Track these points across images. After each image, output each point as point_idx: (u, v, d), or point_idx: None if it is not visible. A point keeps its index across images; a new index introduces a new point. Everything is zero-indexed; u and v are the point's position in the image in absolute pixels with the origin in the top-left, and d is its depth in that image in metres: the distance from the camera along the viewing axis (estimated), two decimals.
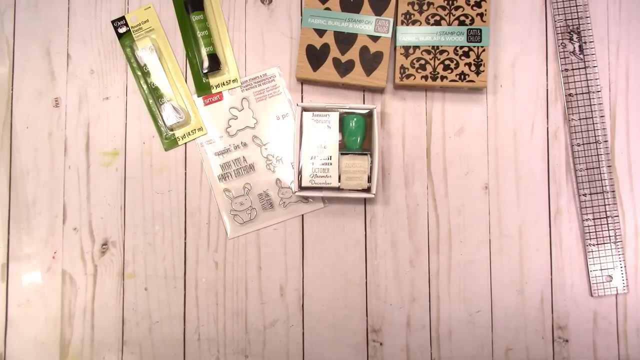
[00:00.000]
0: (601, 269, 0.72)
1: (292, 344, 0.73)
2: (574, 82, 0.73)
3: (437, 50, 0.71)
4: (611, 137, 0.74)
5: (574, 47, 0.74)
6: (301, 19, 0.73)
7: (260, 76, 0.75)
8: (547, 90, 0.74)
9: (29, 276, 0.74)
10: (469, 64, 0.71)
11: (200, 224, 0.74)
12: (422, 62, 0.71)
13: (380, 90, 0.74)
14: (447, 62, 0.71)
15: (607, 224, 0.72)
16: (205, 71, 0.73)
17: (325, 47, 0.72)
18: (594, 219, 0.72)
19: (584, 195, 0.73)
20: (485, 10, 0.71)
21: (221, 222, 0.74)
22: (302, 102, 0.75)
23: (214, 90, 0.75)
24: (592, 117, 0.73)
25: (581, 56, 0.74)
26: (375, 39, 0.72)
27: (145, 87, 0.74)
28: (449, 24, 0.71)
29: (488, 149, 0.74)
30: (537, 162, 0.74)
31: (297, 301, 0.73)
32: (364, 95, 0.75)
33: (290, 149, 0.74)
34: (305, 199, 0.74)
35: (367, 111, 0.71)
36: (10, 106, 0.75)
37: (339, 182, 0.70)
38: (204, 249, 0.74)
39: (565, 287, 0.73)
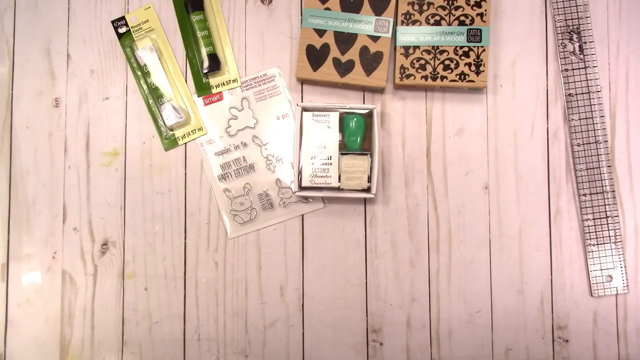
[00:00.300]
0: (601, 269, 0.72)
1: (292, 344, 0.73)
2: (574, 82, 0.73)
3: (437, 50, 0.71)
4: (611, 137, 0.74)
5: (574, 47, 0.74)
6: (301, 19, 0.73)
7: (260, 76, 0.75)
8: (547, 90, 0.74)
9: (29, 276, 0.74)
10: (469, 64, 0.71)
11: (200, 224, 0.74)
12: (422, 62, 0.71)
13: (380, 90, 0.74)
14: (447, 62, 0.71)
15: (607, 224, 0.72)
16: (205, 71, 0.73)
17: (325, 47, 0.72)
18: (594, 219, 0.72)
19: (584, 195, 0.73)
20: (485, 10, 0.71)
21: (221, 222, 0.74)
22: (302, 102, 0.75)
23: (214, 90, 0.75)
24: (592, 117, 0.73)
25: (581, 56, 0.74)
26: (375, 39, 0.72)
27: (145, 87, 0.74)
28: (449, 24, 0.71)
29: (488, 149, 0.74)
30: (537, 162, 0.74)
31: (297, 301, 0.73)
32: (364, 95, 0.75)
33: (290, 149, 0.74)
34: (305, 199, 0.74)
35: (367, 111, 0.71)
36: (10, 106, 0.75)
37: (339, 182, 0.70)
38: (204, 249, 0.74)
39: (565, 287, 0.73)
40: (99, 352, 0.73)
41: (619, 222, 0.73)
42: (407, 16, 0.72)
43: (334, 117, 0.70)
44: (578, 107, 0.73)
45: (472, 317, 0.73)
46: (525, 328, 0.73)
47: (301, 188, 0.70)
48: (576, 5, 0.74)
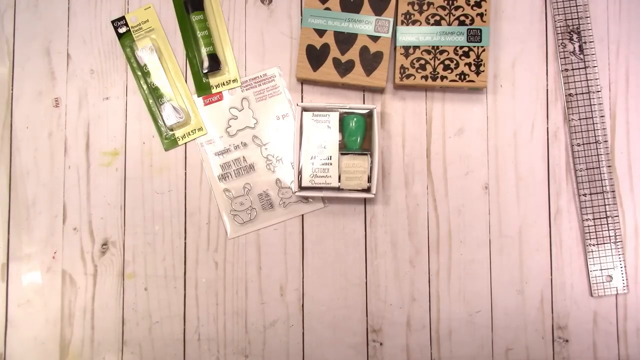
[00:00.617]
0: (601, 269, 0.72)
1: (292, 344, 0.73)
2: (574, 82, 0.73)
3: (437, 50, 0.71)
4: (611, 137, 0.74)
5: (574, 47, 0.74)
6: (301, 19, 0.73)
7: (260, 76, 0.75)
8: (547, 90, 0.74)
9: (29, 276, 0.74)
10: (469, 64, 0.71)
11: (200, 224, 0.74)
12: (422, 62, 0.71)
13: (380, 90, 0.74)
14: (447, 62, 0.71)
15: (607, 224, 0.72)
16: (205, 71, 0.73)
17: (325, 47, 0.72)
18: (594, 219, 0.72)
19: (584, 195, 0.73)
20: (485, 10, 0.71)
21: (221, 222, 0.74)
22: (302, 102, 0.75)
23: (214, 90, 0.75)
24: (592, 117, 0.73)
25: (581, 56, 0.74)
26: (375, 39, 0.72)
27: (145, 87, 0.74)
28: (449, 24, 0.71)
29: (488, 149, 0.74)
30: (537, 162, 0.74)
31: (297, 301, 0.73)
32: (364, 95, 0.75)
33: (290, 149, 0.74)
34: (305, 199, 0.74)
35: (367, 111, 0.71)
36: (10, 106, 0.75)
37: (339, 182, 0.70)
38: (204, 249, 0.74)
39: (565, 287, 0.73)
40: (99, 352, 0.73)
41: (619, 222, 0.73)
42: (407, 16, 0.72)
43: (334, 117, 0.70)
44: (578, 107, 0.73)
45: (472, 317, 0.73)
46: (525, 328, 0.73)
47: (301, 188, 0.70)
48: (576, 5, 0.74)
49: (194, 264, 0.73)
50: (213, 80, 0.74)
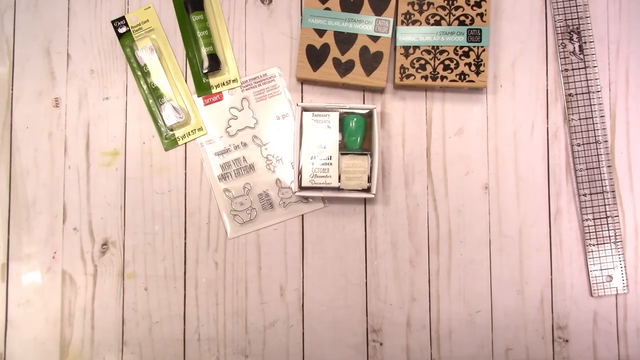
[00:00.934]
0: (601, 269, 0.72)
1: (292, 344, 0.73)
2: (574, 82, 0.73)
3: (437, 50, 0.71)
4: (611, 137, 0.74)
5: (574, 47, 0.74)
6: (301, 19, 0.73)
7: (260, 76, 0.75)
8: (547, 90, 0.74)
9: (29, 276, 0.74)
10: (469, 64, 0.71)
11: (200, 224, 0.74)
12: (422, 62, 0.71)
13: (380, 90, 0.74)
14: (447, 62, 0.71)
15: (607, 224, 0.72)
16: (205, 71, 0.73)
17: (325, 47, 0.72)
18: (594, 219, 0.72)
19: (584, 195, 0.73)
20: (485, 10, 0.71)
21: (221, 222, 0.74)
22: (302, 102, 0.75)
23: (214, 90, 0.75)
24: (592, 117, 0.73)
25: (581, 56, 0.74)
26: (375, 39, 0.72)
27: (145, 87, 0.74)
28: (449, 24, 0.71)
29: (488, 149, 0.74)
30: (537, 162, 0.74)
31: (297, 301, 0.73)
32: (364, 95, 0.75)
33: (290, 149, 0.74)
34: (305, 199, 0.74)
35: (367, 111, 0.71)
36: (10, 106, 0.75)
37: (339, 182, 0.70)
38: (204, 249, 0.74)
39: (565, 287, 0.73)
40: (99, 352, 0.73)
41: (619, 222, 0.73)
42: (407, 16, 0.72)
43: (334, 117, 0.70)
44: (578, 107, 0.73)
45: (472, 317, 0.73)
46: (525, 328, 0.73)
47: (301, 188, 0.70)
48: (576, 5, 0.74)
49: (194, 264, 0.73)
50: (213, 80, 0.74)
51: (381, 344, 0.73)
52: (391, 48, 0.72)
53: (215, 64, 0.73)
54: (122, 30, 0.75)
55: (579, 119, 0.73)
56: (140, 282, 0.73)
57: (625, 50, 0.74)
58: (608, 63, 0.74)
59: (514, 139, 0.74)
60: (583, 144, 0.73)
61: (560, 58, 0.74)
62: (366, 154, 0.70)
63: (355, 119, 0.70)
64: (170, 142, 0.75)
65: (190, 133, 0.74)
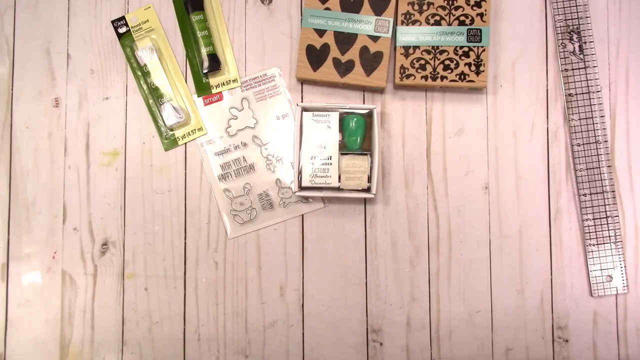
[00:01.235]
0: (601, 269, 0.72)
1: (292, 344, 0.73)
2: (574, 82, 0.73)
3: (437, 50, 0.71)
4: (611, 137, 0.74)
5: (574, 47, 0.74)
6: (301, 19, 0.73)
7: (260, 76, 0.75)
8: (547, 90, 0.74)
9: (29, 276, 0.74)
10: (469, 64, 0.71)
11: (200, 224, 0.74)
12: (422, 62, 0.71)
13: (380, 90, 0.74)
14: (447, 62, 0.71)
15: (607, 224, 0.72)
16: (205, 71, 0.73)
17: (325, 47, 0.72)
18: (594, 219, 0.72)
19: (584, 195, 0.73)
20: (485, 10, 0.71)
21: (221, 222, 0.74)
22: (302, 102, 0.75)
23: (214, 90, 0.75)
24: (592, 117, 0.73)
25: (581, 56, 0.74)
26: (375, 39, 0.72)
27: (145, 87, 0.74)
28: (449, 24, 0.71)
29: (488, 149, 0.74)
30: (537, 162, 0.74)
31: (297, 301, 0.73)
32: (364, 95, 0.75)
33: (290, 149, 0.74)
34: (305, 199, 0.74)
35: (367, 111, 0.71)
36: (10, 106, 0.75)
37: (339, 182, 0.70)
38: (204, 249, 0.74)
39: (565, 287, 0.73)
40: (99, 352, 0.73)
41: (619, 222, 0.73)
42: (407, 16, 0.72)
43: (334, 117, 0.70)
44: (578, 107, 0.73)
45: (472, 317, 0.73)
46: (525, 328, 0.73)
47: (301, 188, 0.70)
48: (576, 5, 0.74)
49: (194, 264, 0.73)
50: (213, 80, 0.74)
51: (381, 344, 0.73)
52: (391, 48, 0.72)
53: (215, 64, 0.73)
54: (122, 30, 0.75)
55: (579, 119, 0.73)
56: (140, 282, 0.73)
57: (625, 50, 0.74)
58: (608, 63, 0.74)
59: (514, 139, 0.74)
60: (583, 144, 0.73)
61: (560, 58, 0.74)
62: (366, 154, 0.70)
63: (355, 119, 0.70)
64: (170, 142, 0.75)
65: (190, 133, 0.74)
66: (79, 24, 0.75)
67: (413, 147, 0.74)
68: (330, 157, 0.70)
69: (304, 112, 0.71)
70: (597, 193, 0.73)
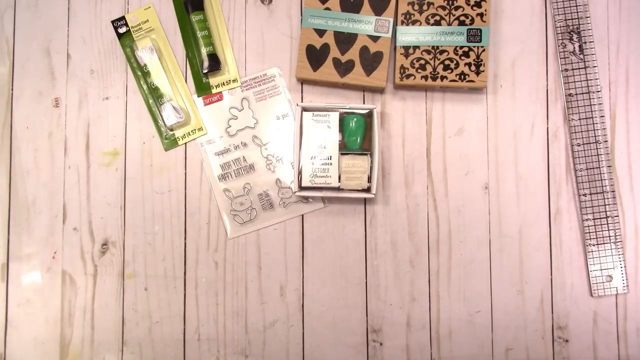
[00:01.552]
0: (601, 269, 0.72)
1: (292, 344, 0.73)
2: (574, 82, 0.73)
3: (437, 50, 0.71)
4: (611, 137, 0.74)
5: (574, 47, 0.74)
6: (301, 19, 0.73)
7: (260, 76, 0.75)
8: (547, 90, 0.74)
9: (29, 276, 0.74)
10: (469, 64, 0.71)
11: (200, 224, 0.74)
12: (422, 62, 0.71)
13: (380, 90, 0.74)
14: (447, 62, 0.71)
15: (607, 224, 0.72)
16: (205, 71, 0.73)
17: (325, 47, 0.72)
18: (594, 219, 0.72)
19: (584, 195, 0.73)
20: (485, 10, 0.71)
21: (221, 222, 0.74)
22: (302, 102, 0.75)
23: (214, 90, 0.75)
24: (592, 117, 0.73)
25: (581, 56, 0.74)
26: (375, 39, 0.72)
27: (145, 87, 0.74)
28: (449, 24, 0.71)
29: (488, 149, 0.74)
30: (537, 162, 0.74)
31: (297, 301, 0.73)
32: (364, 95, 0.75)
33: (290, 149, 0.74)
34: (305, 199, 0.74)
35: (367, 111, 0.71)
36: (10, 106, 0.75)
37: (339, 182, 0.70)
38: (204, 249, 0.74)
39: (565, 287, 0.73)
40: (99, 352, 0.73)
41: (619, 222, 0.73)
42: (407, 16, 0.72)
43: (334, 117, 0.70)
44: (578, 107, 0.73)
45: (472, 317, 0.73)
46: (525, 328, 0.73)
47: (301, 188, 0.70)
48: (576, 5, 0.74)
49: (194, 264, 0.73)
50: (213, 80, 0.74)
51: (381, 344, 0.73)
52: (391, 48, 0.72)
53: (215, 64, 0.73)
54: (122, 30, 0.75)
55: (579, 119, 0.73)
56: (140, 282, 0.73)
57: (625, 50, 0.74)
58: (608, 63, 0.74)
59: (514, 139, 0.74)
60: (583, 144, 0.73)
61: (560, 58, 0.74)
62: (366, 154, 0.70)
63: (355, 119, 0.70)
64: (170, 142, 0.75)
65: (190, 133, 0.74)
66: (79, 24, 0.75)
67: (413, 147, 0.74)
68: (330, 157, 0.70)
69: (304, 112, 0.71)
70: (597, 193, 0.73)
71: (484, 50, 0.71)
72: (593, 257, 0.72)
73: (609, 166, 0.73)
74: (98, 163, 0.74)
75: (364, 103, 0.74)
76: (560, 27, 0.74)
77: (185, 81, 0.75)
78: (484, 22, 0.71)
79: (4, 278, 0.74)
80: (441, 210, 0.73)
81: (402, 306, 0.73)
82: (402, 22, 0.72)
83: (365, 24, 0.71)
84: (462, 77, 0.71)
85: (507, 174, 0.74)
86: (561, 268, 0.73)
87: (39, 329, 0.73)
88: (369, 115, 0.71)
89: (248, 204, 0.74)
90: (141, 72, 0.74)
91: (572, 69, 0.74)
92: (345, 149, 0.71)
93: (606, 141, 0.73)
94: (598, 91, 0.73)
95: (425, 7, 0.71)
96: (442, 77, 0.71)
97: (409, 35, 0.72)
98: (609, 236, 0.72)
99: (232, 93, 0.75)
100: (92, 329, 0.73)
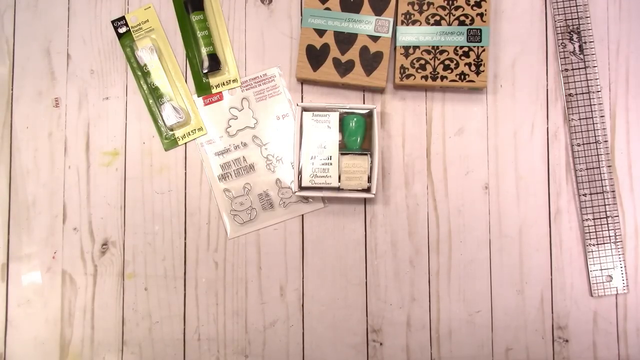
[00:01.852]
0: (601, 269, 0.72)
1: (292, 344, 0.73)
2: (574, 82, 0.73)
3: (437, 50, 0.71)
4: (611, 137, 0.74)
5: (574, 47, 0.74)
6: (301, 19, 0.73)
7: (260, 76, 0.75)
8: (547, 90, 0.74)
9: (29, 276, 0.74)
10: (469, 64, 0.71)
11: (200, 224, 0.74)
12: (422, 62, 0.71)
13: (380, 90, 0.74)
14: (447, 62, 0.71)
15: (607, 224, 0.72)
16: (205, 71, 0.73)
17: (325, 47, 0.72)
18: (594, 219, 0.72)
19: (584, 195, 0.73)
20: (485, 10, 0.71)
21: (221, 222, 0.74)
22: (302, 102, 0.75)
23: (214, 90, 0.75)
24: (592, 117, 0.73)
25: (581, 56, 0.74)
26: (375, 39, 0.72)
27: (145, 87, 0.74)
28: (449, 24, 0.71)
29: (488, 149, 0.74)
30: (537, 162, 0.74)
31: (297, 301, 0.73)
32: (364, 95, 0.75)
33: (290, 149, 0.74)
34: (305, 199, 0.74)
35: (367, 111, 0.71)
36: (10, 106, 0.75)
37: (339, 182, 0.70)
38: (204, 249, 0.74)
39: (565, 287, 0.73)
40: (99, 352, 0.73)
41: (619, 222, 0.73)
42: (407, 16, 0.72)
43: (334, 117, 0.70)
44: (578, 107, 0.73)
45: (472, 317, 0.73)
46: (525, 328, 0.73)
47: (301, 188, 0.70)
48: (576, 5, 0.74)
49: (194, 264, 0.73)
50: (213, 80, 0.74)
51: (381, 344, 0.73)
52: (391, 48, 0.72)
53: (215, 64, 0.73)
54: (122, 30, 0.75)
55: (579, 119, 0.73)
56: (140, 282, 0.73)
57: (625, 50, 0.74)
58: (608, 63, 0.74)
59: (514, 139, 0.74)
60: (583, 144, 0.73)
61: (560, 58, 0.74)
62: (366, 154, 0.70)
63: (355, 119, 0.70)
64: (170, 142, 0.75)
65: (190, 133, 0.74)
66: (79, 24, 0.75)
67: (413, 147, 0.74)
68: (330, 157, 0.70)
69: (304, 112, 0.71)
70: (597, 193, 0.73)
71: (484, 50, 0.71)
72: (593, 257, 0.72)
73: (609, 166, 0.73)
74: (98, 163, 0.74)
75: (364, 103, 0.74)
76: (560, 27, 0.74)
77: (185, 81, 0.75)
78: (484, 22, 0.71)
79: (4, 278, 0.74)
80: (441, 210, 0.73)
81: (402, 306, 0.73)
82: (402, 22, 0.72)
83: (365, 24, 0.71)
84: (462, 77, 0.71)
85: (507, 174, 0.74)
86: (561, 268, 0.73)
87: (39, 329, 0.73)
88: (369, 115, 0.71)
89: (248, 204, 0.74)
90: (141, 72, 0.74)
91: (572, 69, 0.74)
92: (345, 149, 0.71)
93: (606, 141, 0.73)
94: (598, 91, 0.73)
95: (425, 7, 0.71)
96: (442, 77, 0.71)
97: (409, 35, 0.72)
98: (609, 236, 0.72)
99: (232, 93, 0.75)
100: (92, 329, 0.73)
